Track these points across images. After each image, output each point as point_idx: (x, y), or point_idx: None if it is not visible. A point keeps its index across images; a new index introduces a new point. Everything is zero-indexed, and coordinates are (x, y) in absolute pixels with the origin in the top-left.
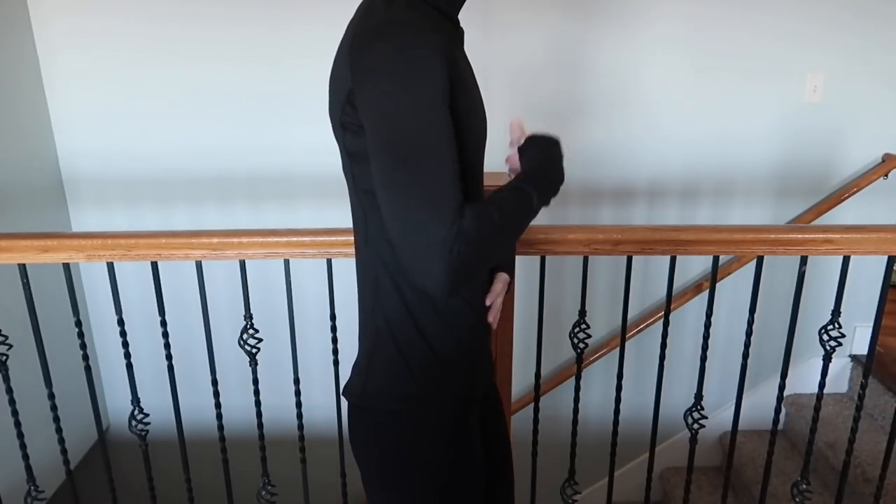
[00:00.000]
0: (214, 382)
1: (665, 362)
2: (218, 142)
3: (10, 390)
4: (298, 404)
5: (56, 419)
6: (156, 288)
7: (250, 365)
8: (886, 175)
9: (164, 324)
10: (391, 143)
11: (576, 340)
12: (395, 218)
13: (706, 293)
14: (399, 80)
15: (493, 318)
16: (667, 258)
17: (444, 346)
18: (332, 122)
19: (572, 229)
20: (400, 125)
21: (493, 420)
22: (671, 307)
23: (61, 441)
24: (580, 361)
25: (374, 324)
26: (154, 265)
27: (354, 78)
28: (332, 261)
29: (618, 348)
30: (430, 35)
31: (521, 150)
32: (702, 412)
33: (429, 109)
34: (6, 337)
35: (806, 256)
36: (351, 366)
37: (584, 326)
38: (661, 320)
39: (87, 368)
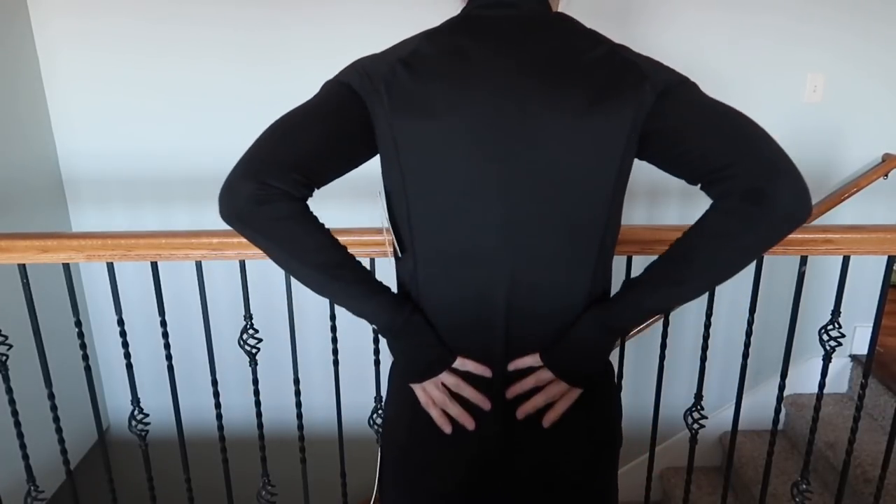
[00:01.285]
0: (214, 382)
1: (665, 362)
2: (218, 142)
3: (10, 390)
4: (298, 404)
5: (56, 419)
6: (156, 288)
7: (250, 365)
8: (886, 175)
9: (164, 324)
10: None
11: None
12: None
13: (706, 293)
14: None
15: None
16: None
17: None
18: None
19: None
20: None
21: None
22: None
23: (61, 441)
24: None
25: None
26: (154, 265)
27: None
28: None
29: (618, 348)
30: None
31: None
32: (702, 412)
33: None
34: (6, 337)
35: (806, 256)
36: (350, 366)
37: None
38: (661, 320)
39: (87, 368)
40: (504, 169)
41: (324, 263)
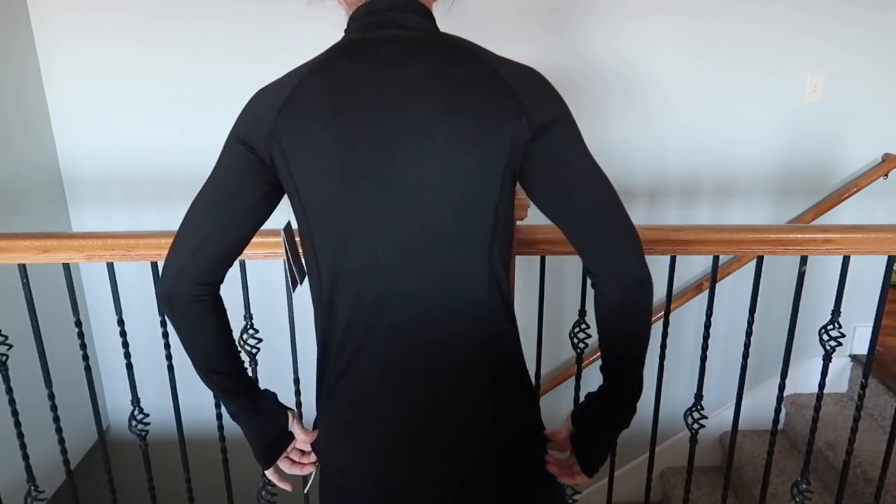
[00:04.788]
0: None
1: (665, 362)
2: (218, 141)
3: (10, 390)
4: (298, 404)
5: (56, 419)
6: (156, 288)
7: (250, 365)
8: (886, 175)
9: (164, 324)
10: None
11: (576, 340)
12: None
13: (706, 293)
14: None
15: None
16: (667, 258)
17: None
18: None
19: None
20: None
21: None
22: (671, 307)
23: (61, 441)
24: (580, 361)
25: None
26: (154, 265)
27: None
28: None
29: None
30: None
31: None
32: (702, 412)
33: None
34: (6, 337)
35: (806, 256)
36: None
37: (584, 326)
38: (661, 320)
39: (87, 368)
40: (390, 195)
41: (205, 367)
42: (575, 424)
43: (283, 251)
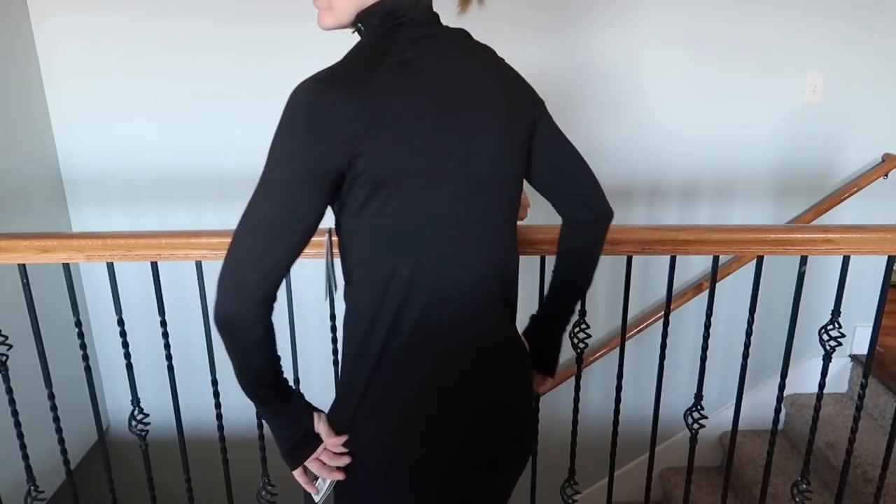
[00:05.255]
0: (214, 382)
1: (665, 362)
2: (218, 141)
3: (10, 390)
4: None
5: (56, 419)
6: (156, 288)
7: None
8: (886, 175)
9: (164, 324)
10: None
11: (576, 340)
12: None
13: (706, 293)
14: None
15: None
16: (667, 258)
17: None
18: None
19: None
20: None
21: None
22: (671, 307)
23: (61, 441)
24: (580, 361)
25: None
26: (154, 265)
27: None
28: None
29: (618, 348)
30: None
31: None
32: (702, 412)
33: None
34: (6, 337)
35: (806, 256)
36: None
37: (584, 326)
38: (661, 320)
39: (87, 368)
40: (470, 174)
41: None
42: (534, 340)
43: (327, 254)
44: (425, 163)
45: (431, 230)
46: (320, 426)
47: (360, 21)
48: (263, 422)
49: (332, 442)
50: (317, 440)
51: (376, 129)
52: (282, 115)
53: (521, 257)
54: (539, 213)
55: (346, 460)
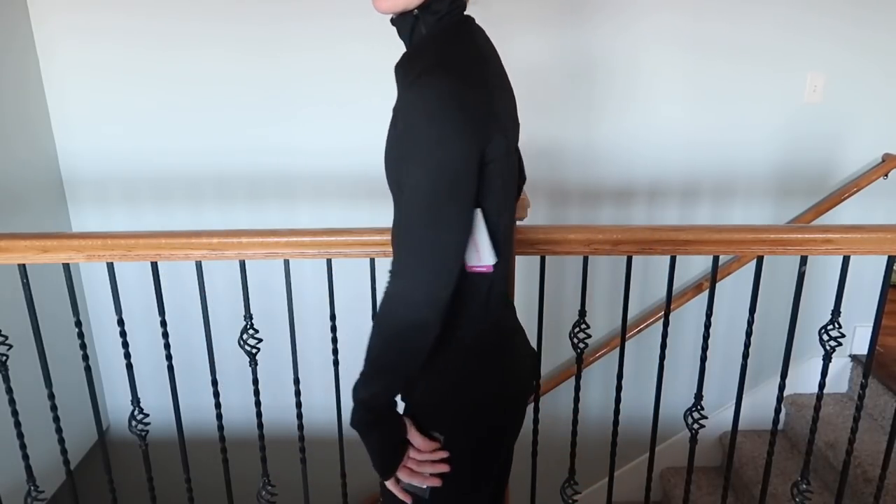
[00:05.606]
0: (214, 382)
1: (665, 362)
2: (218, 141)
3: (10, 390)
4: (298, 404)
5: (56, 419)
6: (156, 288)
7: (250, 365)
8: (886, 175)
9: (164, 324)
10: None
11: (576, 340)
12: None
13: (706, 293)
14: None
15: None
16: (667, 258)
17: None
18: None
19: (572, 229)
20: None
21: None
22: (671, 307)
23: (61, 441)
24: (580, 361)
25: None
26: (154, 265)
27: None
28: (332, 261)
29: (618, 348)
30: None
31: None
32: (702, 412)
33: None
34: (6, 337)
35: (806, 256)
36: (351, 366)
37: (584, 326)
38: (661, 320)
39: (87, 368)
40: (513, 161)
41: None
42: None
43: (482, 232)
44: (510, 148)
45: (506, 217)
46: (412, 432)
47: (430, 5)
48: (263, 422)
49: (423, 446)
50: (405, 448)
51: (491, 119)
52: (423, 115)
53: (521, 257)
54: (539, 213)
55: (438, 468)
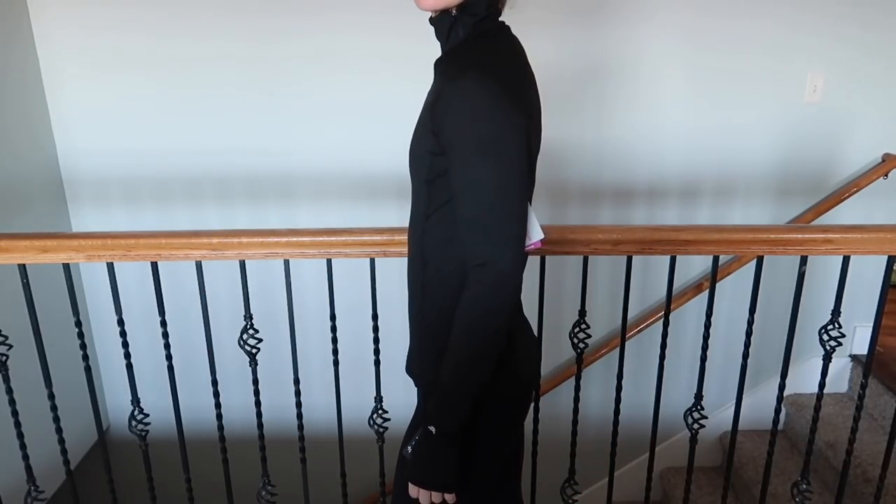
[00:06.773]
0: (214, 382)
1: (665, 362)
2: (218, 142)
3: (10, 390)
4: (298, 404)
5: (56, 419)
6: (156, 288)
7: (250, 365)
8: (886, 175)
9: (164, 324)
10: None
11: (576, 340)
12: None
13: (706, 293)
14: None
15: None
16: (667, 258)
17: None
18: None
19: (572, 229)
20: None
21: None
22: (671, 307)
23: (61, 441)
24: (580, 361)
25: None
26: (154, 265)
27: None
28: (332, 261)
29: (618, 348)
30: None
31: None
32: (702, 412)
33: None
34: (6, 337)
35: (806, 256)
36: (351, 366)
37: (584, 326)
38: (661, 320)
39: (87, 368)
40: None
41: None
42: None
43: (530, 213)
44: (534, 152)
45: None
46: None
47: (468, 6)
48: (263, 422)
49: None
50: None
51: (528, 120)
52: (479, 111)
53: None
54: (539, 213)
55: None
